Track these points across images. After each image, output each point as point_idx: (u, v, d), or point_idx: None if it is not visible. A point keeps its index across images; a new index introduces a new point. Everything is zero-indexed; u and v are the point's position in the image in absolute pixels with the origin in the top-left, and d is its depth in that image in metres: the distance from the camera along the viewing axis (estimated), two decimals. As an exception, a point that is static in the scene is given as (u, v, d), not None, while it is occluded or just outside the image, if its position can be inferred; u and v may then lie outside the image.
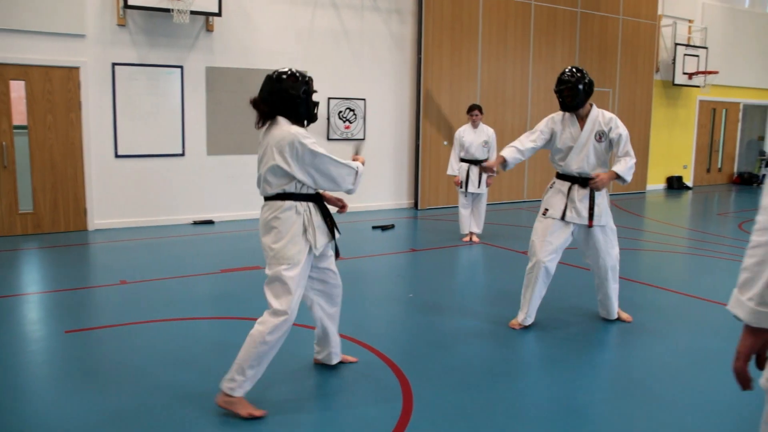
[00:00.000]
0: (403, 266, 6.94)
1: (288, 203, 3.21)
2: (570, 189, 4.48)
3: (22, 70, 7.83)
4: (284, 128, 3.21)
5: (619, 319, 4.81)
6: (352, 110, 10.24)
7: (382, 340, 4.29)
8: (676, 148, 15.10)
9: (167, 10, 8.06)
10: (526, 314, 4.58)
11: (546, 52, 12.14)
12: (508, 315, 4.87)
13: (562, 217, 4.44)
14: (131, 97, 8.50)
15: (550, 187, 4.63)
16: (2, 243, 7.57)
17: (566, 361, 4.00)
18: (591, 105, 4.53)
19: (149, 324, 4.66)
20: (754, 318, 1.54)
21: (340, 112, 10.11)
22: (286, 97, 3.24)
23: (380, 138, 10.55)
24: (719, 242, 8.19)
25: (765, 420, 1.60)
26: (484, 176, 7.75)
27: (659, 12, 13.95)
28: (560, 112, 4.61)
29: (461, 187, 7.81)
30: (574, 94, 4.37)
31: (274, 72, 3.30)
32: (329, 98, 9.96)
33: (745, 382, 1.62)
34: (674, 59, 14.15)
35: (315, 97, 3.39)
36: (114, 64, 8.33)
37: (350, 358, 3.89)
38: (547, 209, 4.50)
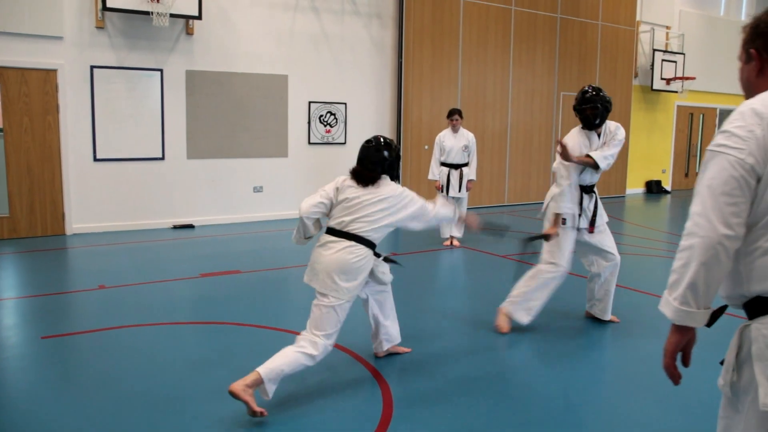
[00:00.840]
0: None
1: (367, 250, 3.52)
2: (581, 198, 4.68)
3: (-1, 73, 7.74)
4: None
5: (609, 320, 4.92)
6: (333, 114, 10.23)
7: (359, 344, 4.28)
8: (654, 153, 15.28)
9: (147, 13, 8.01)
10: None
11: (526, 57, 12.23)
12: (489, 317, 4.89)
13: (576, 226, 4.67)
14: (110, 100, 8.43)
15: None
16: (-23, 248, 7.46)
17: (550, 358, 4.02)
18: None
19: (128, 329, 4.61)
20: (678, 316, 1.64)
21: (321, 116, 10.10)
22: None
23: (361, 142, 10.50)
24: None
25: (721, 415, 1.74)
26: (465, 180, 7.79)
27: (637, 18, 14.13)
28: (578, 131, 4.74)
29: (442, 192, 7.83)
30: (597, 113, 4.57)
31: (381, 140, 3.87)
32: (310, 102, 9.95)
33: (674, 377, 1.76)
34: (652, 65, 14.33)
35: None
36: (92, 67, 8.26)
37: (402, 349, 4.16)
38: (564, 219, 4.60)
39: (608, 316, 4.87)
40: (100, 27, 8.25)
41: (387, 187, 3.62)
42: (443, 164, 7.85)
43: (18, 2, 7.69)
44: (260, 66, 9.42)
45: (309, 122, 10.00)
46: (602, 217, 4.79)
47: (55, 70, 8.04)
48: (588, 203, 4.72)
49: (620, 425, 3.24)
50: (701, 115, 16.27)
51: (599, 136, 4.68)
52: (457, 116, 7.83)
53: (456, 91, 11.35)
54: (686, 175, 16.30)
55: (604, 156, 4.58)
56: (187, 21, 8.74)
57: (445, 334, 4.63)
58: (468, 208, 8.11)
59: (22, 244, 7.73)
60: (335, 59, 10.14)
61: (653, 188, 15.10)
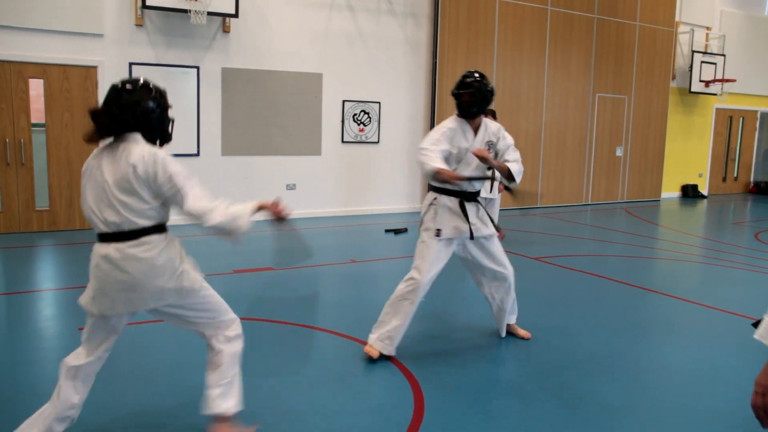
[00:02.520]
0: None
1: None
2: (463, 207, 4.08)
3: (41, 69, 7.90)
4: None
5: (513, 335, 4.57)
6: (367, 113, 10.25)
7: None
8: (691, 157, 15.00)
9: (185, 11, 8.12)
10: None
11: (561, 58, 12.10)
12: (519, 318, 4.85)
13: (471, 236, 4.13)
14: (148, 97, 8.54)
15: (432, 204, 4.15)
16: (19, 239, 7.63)
17: (581, 363, 3.97)
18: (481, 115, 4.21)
19: (161, 323, 4.67)
20: None
21: (355, 114, 10.13)
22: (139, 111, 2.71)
23: (394, 141, 10.56)
24: (734, 252, 8.12)
25: None
26: (496, 181, 7.72)
27: (677, 19, 13.88)
28: (454, 119, 4.21)
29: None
30: (474, 101, 4.11)
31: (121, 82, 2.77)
32: (344, 101, 9.98)
33: (764, 418, 1.48)
34: (691, 66, 14.06)
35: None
36: (131, 64, 8.40)
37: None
38: (439, 230, 4.07)
39: (504, 333, 4.51)
40: (139, 24, 8.38)
41: None
42: (476, 165, 7.79)
43: (61, 1, 7.85)
44: (295, 64, 9.48)
45: (342, 121, 10.03)
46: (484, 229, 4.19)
47: (95, 67, 8.19)
48: (475, 214, 4.13)
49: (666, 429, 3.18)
50: (741, 119, 15.93)
51: (476, 132, 4.13)
52: (490, 116, 7.77)
53: (490, 92, 11.26)
54: (724, 179, 15.97)
55: (520, 168, 4.17)
56: (223, 19, 8.83)
57: (473, 336, 4.60)
58: (501, 210, 8.05)
59: (60, 236, 7.89)
60: (370, 58, 10.15)
61: (689, 192, 14.83)
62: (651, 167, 13.78)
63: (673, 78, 14.16)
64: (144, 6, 8.02)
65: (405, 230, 8.87)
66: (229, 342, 2.97)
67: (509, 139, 4.27)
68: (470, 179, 4.00)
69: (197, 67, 8.82)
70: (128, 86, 2.69)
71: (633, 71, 13.20)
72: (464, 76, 4.21)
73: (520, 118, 11.70)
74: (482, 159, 3.96)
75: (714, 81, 14.25)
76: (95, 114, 2.66)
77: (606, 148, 13.03)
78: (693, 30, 14.23)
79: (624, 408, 3.44)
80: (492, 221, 4.28)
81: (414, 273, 4.07)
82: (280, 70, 9.35)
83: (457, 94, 4.17)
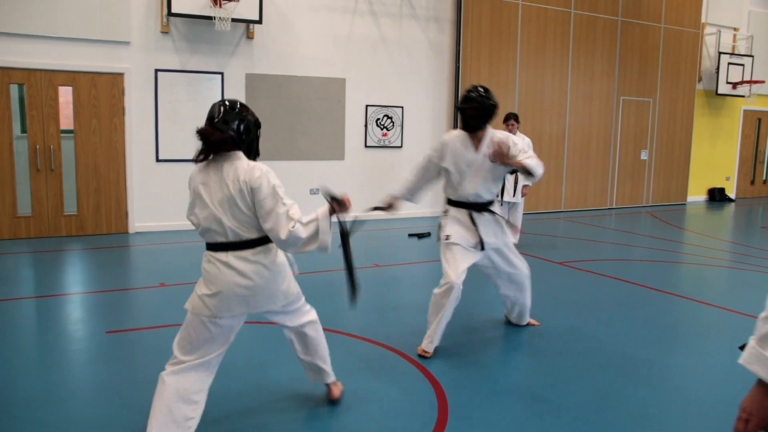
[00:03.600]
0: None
1: None
2: (472, 218, 4.27)
3: (70, 76, 8.04)
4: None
5: (529, 324, 4.89)
6: (390, 118, 10.27)
7: (411, 347, 4.27)
8: (718, 159, 14.79)
9: (209, 18, 8.21)
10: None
11: (585, 61, 12.02)
12: (545, 323, 4.82)
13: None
14: (172, 103, 8.67)
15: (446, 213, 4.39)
16: (48, 243, 7.77)
17: (607, 369, 3.94)
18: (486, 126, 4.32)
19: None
20: None
21: (378, 119, 10.15)
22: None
23: (417, 146, 10.56)
24: (762, 256, 7.99)
25: None
26: (520, 185, 7.70)
27: (703, 20, 13.70)
28: (456, 134, 4.38)
29: (497, 197, 7.76)
30: (477, 115, 4.22)
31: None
32: (367, 105, 10.01)
33: None
34: (718, 68, 13.86)
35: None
36: (157, 71, 8.51)
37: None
38: (448, 235, 4.27)
39: (525, 321, 4.84)
40: (165, 32, 8.50)
41: None
42: (500, 169, 7.77)
43: (89, 10, 7.99)
44: (318, 69, 9.53)
45: (366, 125, 10.06)
46: (502, 235, 4.39)
47: (122, 74, 8.32)
48: (486, 224, 4.29)
49: (684, 439, 3.14)
50: (769, 121, 15.66)
51: (479, 144, 4.25)
52: (513, 121, 7.74)
53: (513, 95, 11.24)
54: (752, 182, 15.71)
55: (537, 162, 4.21)
56: (247, 25, 8.91)
57: (497, 339, 4.58)
58: (524, 214, 8.01)
59: (88, 241, 8.01)
60: (393, 63, 10.18)
61: (716, 196, 14.61)
62: (677, 170, 13.61)
63: (699, 80, 13.97)
64: (169, 13, 8.12)
65: (428, 234, 8.86)
66: (312, 325, 3.25)
67: (521, 144, 4.32)
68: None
69: (221, 73, 8.91)
70: (233, 106, 2.93)
71: (658, 74, 13.06)
72: (468, 91, 4.29)
73: (544, 121, 11.63)
74: (498, 156, 4.08)
75: (742, 83, 14.03)
76: (206, 133, 2.83)
77: (631, 152, 12.90)
78: (720, 31, 14.04)
79: (652, 416, 3.40)
80: (507, 222, 4.48)
81: (444, 277, 4.19)
82: (303, 76, 9.41)
83: (461, 109, 4.26)
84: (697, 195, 14.44)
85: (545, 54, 11.55)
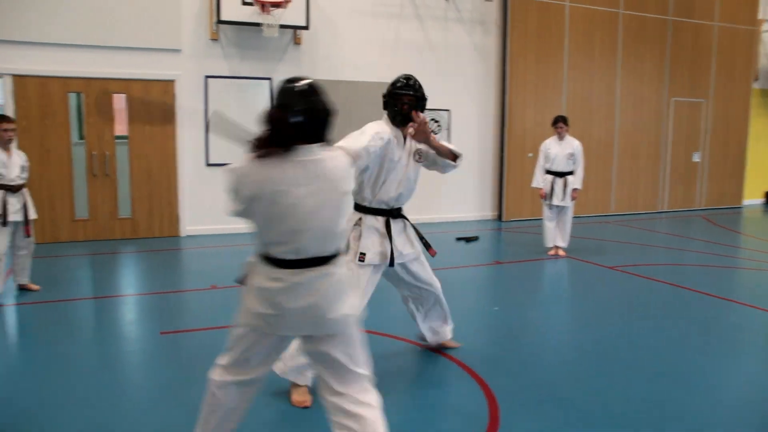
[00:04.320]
0: (487, 279, 6.87)
1: None
2: (388, 223, 3.65)
3: (124, 84, 8.27)
4: None
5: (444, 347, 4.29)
6: (437, 121, 10.26)
7: (466, 353, 4.25)
8: (775, 161, 14.30)
9: (257, 25, 8.34)
10: None
11: (634, 62, 11.78)
12: (597, 330, 4.74)
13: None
14: (222, 108, 8.81)
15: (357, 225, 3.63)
16: (103, 246, 7.99)
17: (662, 379, 3.84)
18: None
19: (239, 328, 4.79)
20: None
21: (423, 123, 10.13)
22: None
23: (464, 149, 10.34)
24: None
25: None
26: (570, 189, 7.60)
27: (760, 16, 13.28)
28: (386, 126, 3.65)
29: (546, 200, 7.68)
30: (413, 107, 3.65)
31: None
32: (412, 109, 10.00)
33: None
34: (775, 67, 13.42)
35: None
36: (207, 77, 8.68)
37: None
38: (363, 254, 3.56)
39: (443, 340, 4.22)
40: (214, 39, 8.66)
41: None
42: (548, 172, 7.69)
43: (143, 20, 8.22)
44: (365, 74, 9.58)
45: (411, 129, 10.05)
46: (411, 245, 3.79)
47: (173, 81, 8.51)
48: (401, 232, 3.70)
49: None
50: (830, 121, 15.08)
51: (405, 141, 3.68)
52: (562, 123, 7.65)
53: (561, 98, 11.09)
54: (812, 185, 15.13)
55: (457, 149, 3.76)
56: (295, 31, 9.02)
57: (550, 346, 4.52)
58: (573, 217, 7.90)
59: (141, 243, 8.21)
60: (439, 66, 10.16)
61: (773, 200, 14.14)
62: (731, 173, 13.21)
63: (756, 79, 13.54)
64: (219, 21, 8.28)
65: (476, 239, 8.80)
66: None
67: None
68: None
69: (269, 79, 9.04)
70: (311, 88, 2.37)
71: (711, 74, 12.71)
72: (406, 78, 3.72)
73: (592, 124, 11.44)
74: (422, 133, 3.54)
75: (800, 82, 13.56)
76: (280, 120, 2.31)
77: (682, 154, 12.59)
78: (777, 28, 13.59)
79: (710, 426, 3.30)
80: (422, 238, 3.84)
81: None
82: (350, 80, 9.48)
83: (397, 95, 3.63)
84: (753, 198, 13.98)
85: (593, 56, 11.37)
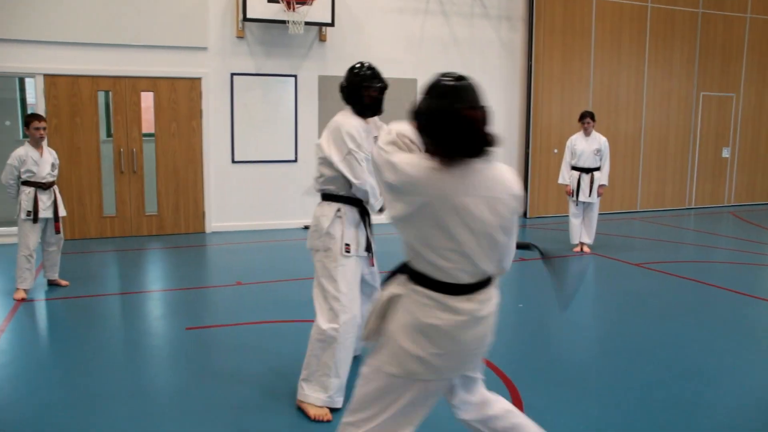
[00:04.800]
0: (511, 276, 6.82)
1: None
2: (363, 219, 3.49)
3: (152, 82, 8.37)
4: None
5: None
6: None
7: (491, 350, 4.23)
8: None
9: (283, 22, 8.37)
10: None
11: (662, 56, 11.60)
12: (623, 328, 4.69)
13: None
14: (248, 106, 8.89)
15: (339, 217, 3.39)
16: (130, 242, 8.10)
17: (692, 378, 3.79)
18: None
19: (263, 325, 4.84)
20: None
21: (448, 119, 10.09)
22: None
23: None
24: None
25: None
26: (596, 185, 7.52)
27: (791, 10, 13.00)
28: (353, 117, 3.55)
29: (572, 196, 7.61)
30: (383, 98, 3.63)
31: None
32: (437, 105, 9.97)
33: None
34: (808, 61, 13.12)
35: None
36: (232, 74, 8.74)
37: None
38: (348, 245, 3.38)
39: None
40: (240, 36, 8.72)
41: None
42: (574, 168, 7.62)
43: (170, 18, 8.30)
44: (390, 70, 9.49)
45: (435, 126, 10.02)
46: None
47: (199, 78, 8.59)
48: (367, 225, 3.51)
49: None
50: None
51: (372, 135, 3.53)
52: (589, 119, 7.57)
53: (588, 93, 10.97)
54: None
55: None
56: (320, 28, 9.04)
57: (572, 345, 4.49)
58: (599, 214, 7.82)
59: (167, 240, 8.31)
60: (464, 62, 10.10)
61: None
62: (763, 168, 12.95)
63: (789, 73, 13.25)
64: (245, 18, 8.33)
65: (530, 247, 8.74)
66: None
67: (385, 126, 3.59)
68: None
69: (295, 76, 9.07)
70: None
71: (742, 67, 12.47)
72: (369, 67, 3.60)
73: (619, 119, 11.30)
74: None
75: (834, 75, 13.23)
76: (478, 121, 2.04)
77: (711, 149, 12.38)
78: (811, 21, 13.28)
79: (738, 427, 3.25)
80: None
81: (339, 311, 3.30)
82: (374, 77, 9.46)
83: (366, 86, 3.52)
84: (784, 195, 13.70)
85: (620, 50, 11.22)
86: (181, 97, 8.54)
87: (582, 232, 7.70)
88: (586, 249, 7.68)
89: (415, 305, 1.99)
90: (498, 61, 10.40)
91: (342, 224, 3.36)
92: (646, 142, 11.65)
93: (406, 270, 2.07)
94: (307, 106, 9.20)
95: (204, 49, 8.58)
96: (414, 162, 1.94)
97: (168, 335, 4.66)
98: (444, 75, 2.04)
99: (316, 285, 3.41)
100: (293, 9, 8.26)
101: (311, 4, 8.33)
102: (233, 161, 8.89)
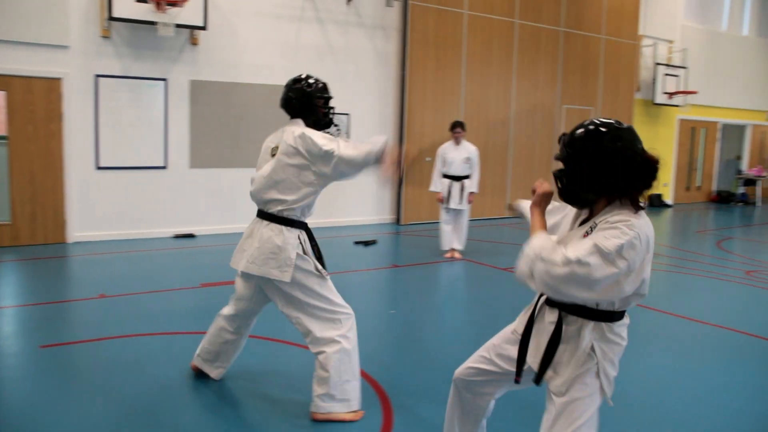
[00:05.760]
0: (384, 282, 6.94)
1: None
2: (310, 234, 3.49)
3: (4, 81, 7.77)
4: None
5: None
6: (336, 125, 10.25)
7: (362, 356, 4.26)
8: (656, 167, 15.24)
9: (152, 23, 8.05)
10: None
11: (529, 70, 12.27)
12: (492, 331, 4.87)
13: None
14: (114, 109, 8.46)
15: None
16: (-21, 255, 7.47)
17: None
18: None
19: (127, 339, 4.61)
20: None
21: (324, 126, 10.10)
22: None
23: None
24: (698, 260, 8.28)
25: None
26: (466, 192, 7.80)
27: (640, 32, 14.17)
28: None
29: (444, 203, 7.84)
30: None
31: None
32: (313, 113, 9.95)
33: None
34: (654, 79, 14.36)
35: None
36: (97, 76, 8.29)
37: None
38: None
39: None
40: (106, 36, 8.29)
41: None
42: (445, 176, 7.86)
43: (25, 11, 7.74)
44: (264, 77, 9.45)
45: (312, 133, 9.99)
46: None
47: (59, 79, 8.08)
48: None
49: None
50: (703, 130, 16.29)
51: None
52: (459, 128, 7.84)
53: (459, 104, 11.38)
54: (687, 188, 16.30)
55: None
56: (191, 31, 8.78)
57: (444, 349, 4.62)
58: (469, 220, 8.11)
59: (23, 251, 7.73)
60: (339, 70, 10.17)
61: (654, 202, 15.09)
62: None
63: (638, 90, 14.44)
64: (110, 18, 7.94)
65: (374, 242, 8.88)
66: None
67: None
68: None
69: (165, 80, 8.75)
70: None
71: (599, 83, 13.43)
72: (320, 80, 3.74)
73: (489, 129, 11.81)
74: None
75: (677, 93, 14.57)
76: (655, 163, 2.13)
77: (573, 159, 13.19)
78: (656, 43, 14.56)
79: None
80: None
81: (343, 321, 3.41)
82: (249, 83, 9.32)
83: (324, 98, 3.69)
84: (636, 201, 14.84)
85: (490, 63, 11.74)
86: (38, 99, 7.99)
87: (453, 238, 7.95)
88: (457, 255, 7.93)
89: (614, 336, 2.19)
90: (373, 69, 10.56)
91: (307, 248, 3.35)
92: (514, 151, 12.25)
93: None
94: (178, 112, 8.90)
95: (65, 47, 8.08)
96: (632, 232, 1.99)
97: (18, 355, 4.33)
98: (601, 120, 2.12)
99: (297, 310, 3.34)
100: (163, 10, 7.97)
101: (182, 5, 8.08)
102: (98, 167, 8.43)
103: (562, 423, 2.12)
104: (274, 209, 3.38)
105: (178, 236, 8.94)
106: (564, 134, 2.18)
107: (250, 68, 9.34)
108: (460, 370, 2.58)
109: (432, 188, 8.01)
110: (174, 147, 8.91)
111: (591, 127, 2.09)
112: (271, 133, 3.60)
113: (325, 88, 3.64)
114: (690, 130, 15.95)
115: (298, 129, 3.36)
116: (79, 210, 8.37)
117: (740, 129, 17.39)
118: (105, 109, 8.38)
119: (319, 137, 3.32)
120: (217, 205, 9.29)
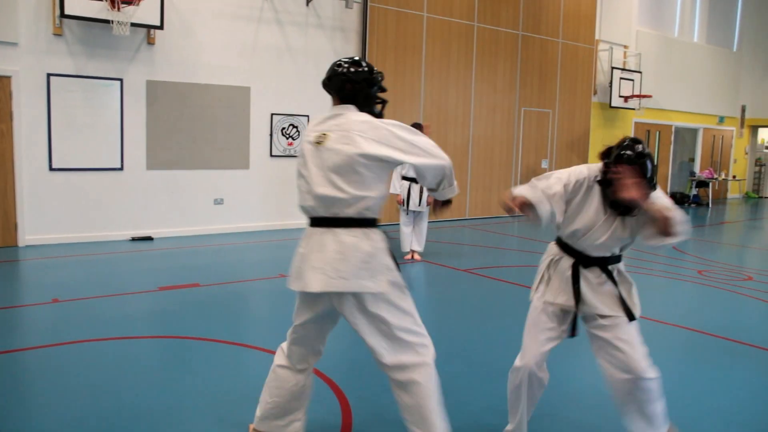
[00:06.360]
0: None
1: None
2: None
3: (-50, 79, 7.53)
4: None
5: None
6: (296, 127, 10.20)
7: (322, 359, 4.24)
8: (612, 169, 15.54)
9: (106, 21, 7.89)
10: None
11: (488, 73, 12.40)
12: (450, 331, 4.90)
13: None
14: (67, 109, 8.26)
15: None
16: (-76, 259, 7.21)
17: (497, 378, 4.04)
18: None
19: (82, 344, 4.51)
20: None
21: (283, 128, 10.06)
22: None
23: (324, 154, 10.51)
24: (653, 260, 8.46)
25: None
26: (425, 194, 7.83)
27: (596, 37, 14.44)
28: None
29: (403, 205, 7.86)
30: None
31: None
32: (272, 114, 9.90)
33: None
34: (611, 82, 14.66)
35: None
36: (49, 75, 8.09)
37: None
38: None
39: None
40: (58, 34, 8.10)
41: None
42: (404, 178, 7.88)
43: (-28, 7, 7.52)
44: (222, 77, 9.35)
45: (271, 134, 9.94)
46: None
47: (8, 77, 7.85)
48: None
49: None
50: (658, 132, 16.68)
51: None
52: (418, 130, 7.85)
53: (419, 106, 11.43)
54: (643, 190, 16.64)
55: None
56: (148, 30, 8.63)
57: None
58: (428, 222, 8.15)
59: (-28, 255, 7.50)
60: (298, 72, 10.12)
61: (611, 203, 15.36)
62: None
63: (595, 93, 14.71)
64: (62, 15, 7.75)
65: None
66: None
67: None
68: None
69: (120, 80, 8.58)
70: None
71: (557, 86, 13.65)
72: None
73: (448, 131, 11.90)
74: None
75: (632, 96, 14.90)
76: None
77: (532, 161, 13.40)
78: (612, 48, 14.85)
79: (544, 416, 3.51)
80: None
81: None
82: (207, 83, 9.20)
83: (383, 88, 3.21)
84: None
85: (450, 65, 11.83)
86: (-13, 98, 7.76)
87: (413, 240, 7.98)
88: (416, 257, 7.96)
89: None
90: (333, 71, 10.51)
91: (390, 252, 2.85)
92: (474, 152, 12.36)
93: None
94: (134, 112, 8.73)
95: (14, 44, 7.85)
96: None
97: (-34, 362, 4.19)
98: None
99: (376, 333, 2.89)
100: (118, 8, 7.82)
101: (138, 4, 7.93)
102: (51, 168, 8.22)
103: (636, 330, 3.09)
104: (350, 210, 2.75)
105: (135, 239, 8.77)
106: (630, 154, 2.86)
107: (207, 68, 9.22)
108: (529, 360, 3.13)
109: (391, 190, 8.02)
110: (130, 148, 8.74)
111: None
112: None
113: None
114: (645, 133, 16.32)
115: (360, 116, 2.89)
116: (31, 212, 8.15)
117: (693, 132, 17.89)
118: (58, 109, 8.18)
119: (403, 129, 2.85)
120: (175, 206, 9.15)
